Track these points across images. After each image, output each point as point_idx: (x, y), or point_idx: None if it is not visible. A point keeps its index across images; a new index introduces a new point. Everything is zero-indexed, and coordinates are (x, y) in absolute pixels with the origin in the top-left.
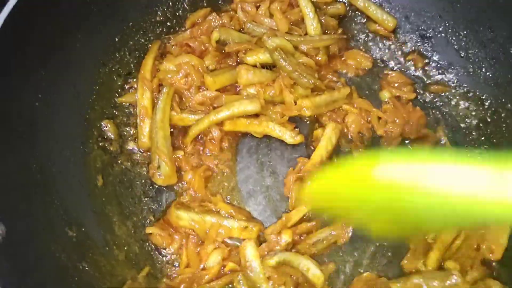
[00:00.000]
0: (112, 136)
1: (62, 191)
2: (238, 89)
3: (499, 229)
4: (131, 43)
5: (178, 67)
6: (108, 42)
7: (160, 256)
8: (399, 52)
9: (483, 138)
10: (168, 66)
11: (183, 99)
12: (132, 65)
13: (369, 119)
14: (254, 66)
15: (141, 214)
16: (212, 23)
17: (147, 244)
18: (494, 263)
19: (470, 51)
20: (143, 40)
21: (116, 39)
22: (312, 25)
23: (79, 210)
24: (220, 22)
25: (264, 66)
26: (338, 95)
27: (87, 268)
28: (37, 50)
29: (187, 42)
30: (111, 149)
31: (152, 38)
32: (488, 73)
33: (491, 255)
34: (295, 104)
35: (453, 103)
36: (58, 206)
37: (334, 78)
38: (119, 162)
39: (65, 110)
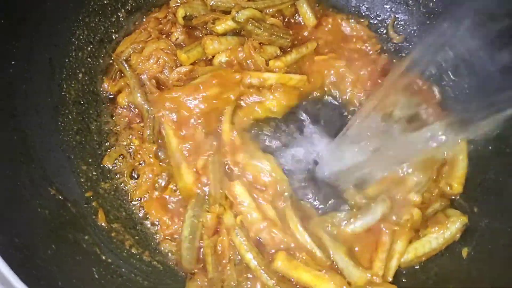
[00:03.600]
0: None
1: (43, 157)
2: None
3: (456, 163)
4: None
5: (148, 55)
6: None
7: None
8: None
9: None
10: (137, 58)
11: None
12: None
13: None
14: (222, 34)
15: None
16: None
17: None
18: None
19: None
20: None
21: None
22: None
23: (59, 171)
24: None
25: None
26: (307, 50)
27: (67, 223)
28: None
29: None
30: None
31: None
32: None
33: (450, 190)
34: (267, 65)
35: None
36: (39, 170)
37: (291, 31)
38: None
39: (40, 78)
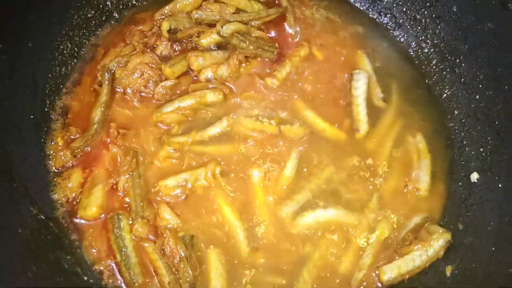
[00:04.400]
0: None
1: (24, 175)
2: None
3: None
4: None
5: (132, 69)
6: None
7: None
8: None
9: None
10: (122, 72)
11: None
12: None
13: None
14: (207, 48)
15: None
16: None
17: None
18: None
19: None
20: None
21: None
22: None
23: (41, 189)
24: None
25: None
26: (300, 59)
27: (49, 242)
28: None
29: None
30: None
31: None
32: (435, 31)
33: (419, 193)
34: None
35: None
36: (21, 188)
37: (276, 44)
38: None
39: (23, 94)
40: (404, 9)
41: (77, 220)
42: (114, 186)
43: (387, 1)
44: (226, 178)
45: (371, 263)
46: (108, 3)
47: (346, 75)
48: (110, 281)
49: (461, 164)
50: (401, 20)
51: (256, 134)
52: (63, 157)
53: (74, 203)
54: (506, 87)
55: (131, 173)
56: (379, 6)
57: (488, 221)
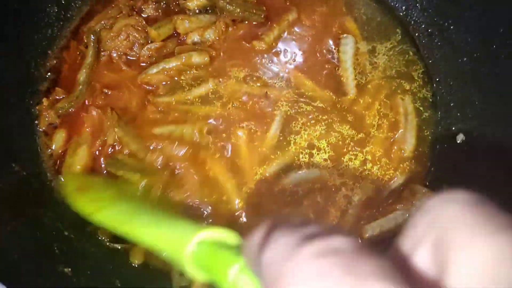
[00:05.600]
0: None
1: (8, 134)
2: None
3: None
4: None
5: (118, 31)
6: None
7: None
8: None
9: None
10: (107, 34)
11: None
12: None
13: None
14: (195, 11)
15: None
16: None
17: None
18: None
19: None
20: None
21: None
22: None
23: (24, 149)
24: None
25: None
26: (288, 24)
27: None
28: None
29: None
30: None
31: None
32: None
33: (404, 154)
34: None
35: None
36: (3, 146)
37: (264, 8)
38: None
39: (8, 56)
40: None
41: (60, 178)
42: (100, 148)
43: None
44: (211, 137)
45: (353, 223)
46: None
47: (332, 40)
48: None
49: (447, 126)
50: None
51: (241, 96)
52: (47, 117)
53: (58, 162)
54: (493, 46)
55: (117, 124)
56: None
57: (469, 184)
